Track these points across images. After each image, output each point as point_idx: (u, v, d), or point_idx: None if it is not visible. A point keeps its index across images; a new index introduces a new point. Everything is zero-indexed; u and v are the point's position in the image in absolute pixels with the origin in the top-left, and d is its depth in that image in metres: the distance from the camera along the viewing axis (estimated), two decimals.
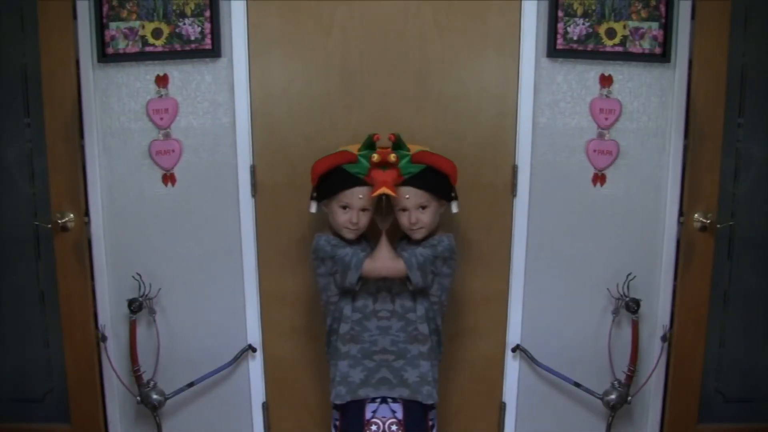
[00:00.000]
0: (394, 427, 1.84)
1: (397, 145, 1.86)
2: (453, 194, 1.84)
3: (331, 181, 1.81)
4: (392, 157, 1.80)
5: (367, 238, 1.95)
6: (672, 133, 2.09)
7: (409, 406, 1.85)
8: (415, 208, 1.81)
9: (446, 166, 1.83)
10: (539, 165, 2.10)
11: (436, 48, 2.06)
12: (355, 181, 1.81)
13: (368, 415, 1.85)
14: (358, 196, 1.81)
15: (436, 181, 1.80)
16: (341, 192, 1.80)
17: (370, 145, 1.86)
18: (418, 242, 1.86)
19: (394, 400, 1.86)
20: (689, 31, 2.04)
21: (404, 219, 1.83)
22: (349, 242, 1.87)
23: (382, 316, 1.85)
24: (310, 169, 1.85)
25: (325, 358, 1.96)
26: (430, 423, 1.88)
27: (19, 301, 2.26)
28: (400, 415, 1.85)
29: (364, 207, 1.82)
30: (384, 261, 1.82)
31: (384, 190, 1.76)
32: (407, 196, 1.80)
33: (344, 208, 1.81)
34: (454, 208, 1.86)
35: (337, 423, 1.89)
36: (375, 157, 1.80)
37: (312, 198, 1.86)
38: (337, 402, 1.86)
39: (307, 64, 2.08)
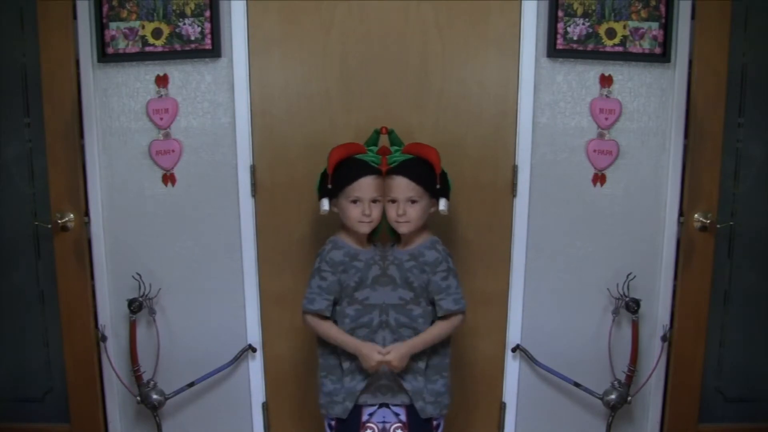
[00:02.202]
0: None
1: (392, 140, 1.87)
2: (438, 186, 1.79)
3: (341, 173, 1.79)
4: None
5: (376, 242, 1.92)
6: (672, 133, 2.09)
7: (412, 410, 1.84)
8: (405, 201, 1.79)
9: (428, 152, 1.80)
10: (539, 165, 2.10)
11: (436, 48, 2.06)
12: (365, 170, 1.79)
13: (364, 417, 1.84)
14: (366, 185, 1.78)
15: (428, 175, 1.79)
16: (349, 185, 1.78)
17: (374, 141, 1.87)
18: (405, 244, 1.85)
19: (399, 404, 1.85)
20: (689, 31, 2.04)
21: (392, 211, 1.81)
22: (359, 250, 1.83)
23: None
24: (328, 157, 1.79)
25: None
26: (435, 423, 1.88)
27: (19, 301, 2.26)
28: (404, 417, 1.84)
29: (375, 198, 1.80)
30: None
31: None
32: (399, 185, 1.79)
33: (354, 202, 1.79)
34: (442, 205, 1.82)
35: (332, 423, 1.88)
36: (383, 130, 1.86)
37: (324, 192, 1.81)
38: (342, 416, 1.84)
39: (306, 64, 2.08)
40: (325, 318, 1.83)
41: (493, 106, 2.09)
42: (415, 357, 1.82)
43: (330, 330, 1.82)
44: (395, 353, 1.78)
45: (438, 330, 1.83)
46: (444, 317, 1.83)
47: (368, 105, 2.08)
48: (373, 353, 1.77)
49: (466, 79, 2.08)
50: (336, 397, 1.84)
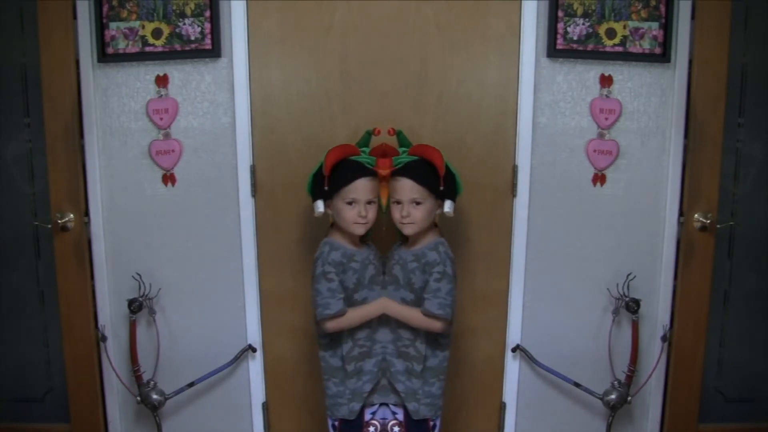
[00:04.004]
0: (396, 429, 1.84)
1: (400, 141, 1.87)
2: (441, 188, 1.78)
3: (336, 174, 1.78)
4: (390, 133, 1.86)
5: (369, 242, 1.93)
6: (672, 133, 2.09)
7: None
8: (409, 202, 1.79)
9: (432, 153, 1.79)
10: (539, 165, 2.10)
11: (436, 48, 2.06)
12: (360, 171, 1.79)
13: (367, 416, 1.86)
14: (362, 187, 1.78)
15: (433, 177, 1.78)
16: (344, 187, 1.78)
17: (366, 141, 1.87)
18: (411, 244, 1.85)
19: (395, 403, 1.86)
20: (689, 31, 2.04)
21: (396, 212, 1.81)
22: (355, 251, 1.83)
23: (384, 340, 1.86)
24: (324, 159, 1.78)
25: None
26: (431, 424, 1.88)
27: (19, 301, 2.26)
28: (400, 416, 1.85)
29: (370, 199, 1.81)
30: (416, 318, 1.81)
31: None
32: (404, 187, 1.79)
33: (350, 203, 1.79)
34: (447, 207, 1.82)
35: (336, 424, 1.89)
36: (375, 130, 1.85)
37: (319, 194, 1.81)
38: (349, 417, 1.85)
39: (306, 64, 2.08)
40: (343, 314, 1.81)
41: (493, 106, 2.09)
42: (410, 359, 1.83)
43: (352, 317, 1.81)
44: (385, 302, 1.82)
45: (417, 317, 1.80)
46: (425, 314, 1.80)
47: (368, 105, 2.08)
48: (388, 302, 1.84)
49: (466, 79, 2.08)
50: (340, 399, 1.85)
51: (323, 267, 1.80)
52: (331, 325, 1.80)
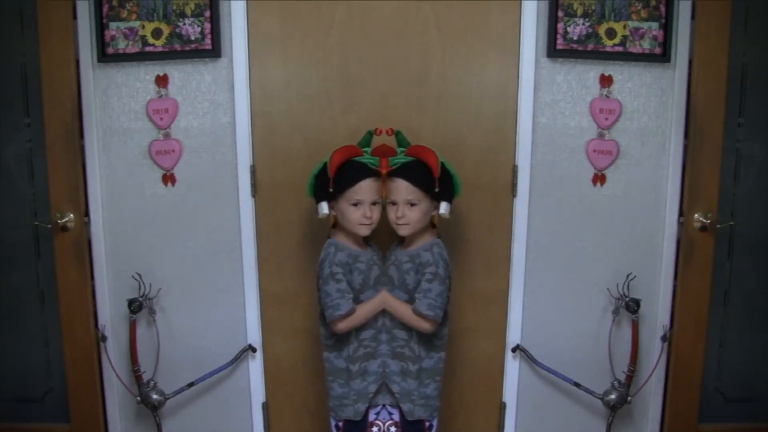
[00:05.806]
0: (393, 429, 1.84)
1: (399, 141, 1.87)
2: (436, 189, 1.77)
3: (340, 175, 1.78)
4: (388, 132, 1.86)
5: (371, 243, 1.93)
6: (672, 133, 2.09)
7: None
8: (404, 203, 1.79)
9: (428, 155, 1.79)
10: (539, 165, 2.10)
11: (436, 48, 2.06)
12: (364, 172, 1.79)
13: (371, 417, 1.86)
14: (367, 188, 1.78)
15: (429, 178, 1.78)
16: (349, 188, 1.78)
17: (367, 141, 1.86)
18: (407, 245, 1.85)
19: (391, 404, 1.86)
20: (689, 31, 2.04)
21: (392, 213, 1.81)
22: (359, 252, 1.83)
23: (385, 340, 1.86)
24: (329, 161, 1.77)
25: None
26: (428, 424, 1.88)
27: (19, 301, 2.26)
28: (396, 417, 1.85)
29: (375, 200, 1.80)
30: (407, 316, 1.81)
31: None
32: (399, 188, 1.79)
33: (355, 205, 1.79)
34: (443, 208, 1.82)
35: (340, 424, 1.89)
36: (377, 131, 1.84)
37: (323, 195, 1.80)
38: (355, 418, 1.85)
39: (307, 64, 2.08)
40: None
41: (493, 106, 2.09)
42: (405, 359, 1.83)
43: (359, 315, 1.80)
44: (384, 295, 1.82)
45: (409, 314, 1.80)
46: (414, 313, 1.80)
47: (368, 105, 2.08)
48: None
49: (466, 79, 2.08)
50: (345, 399, 1.85)
51: (330, 268, 1.80)
52: (343, 325, 1.80)
